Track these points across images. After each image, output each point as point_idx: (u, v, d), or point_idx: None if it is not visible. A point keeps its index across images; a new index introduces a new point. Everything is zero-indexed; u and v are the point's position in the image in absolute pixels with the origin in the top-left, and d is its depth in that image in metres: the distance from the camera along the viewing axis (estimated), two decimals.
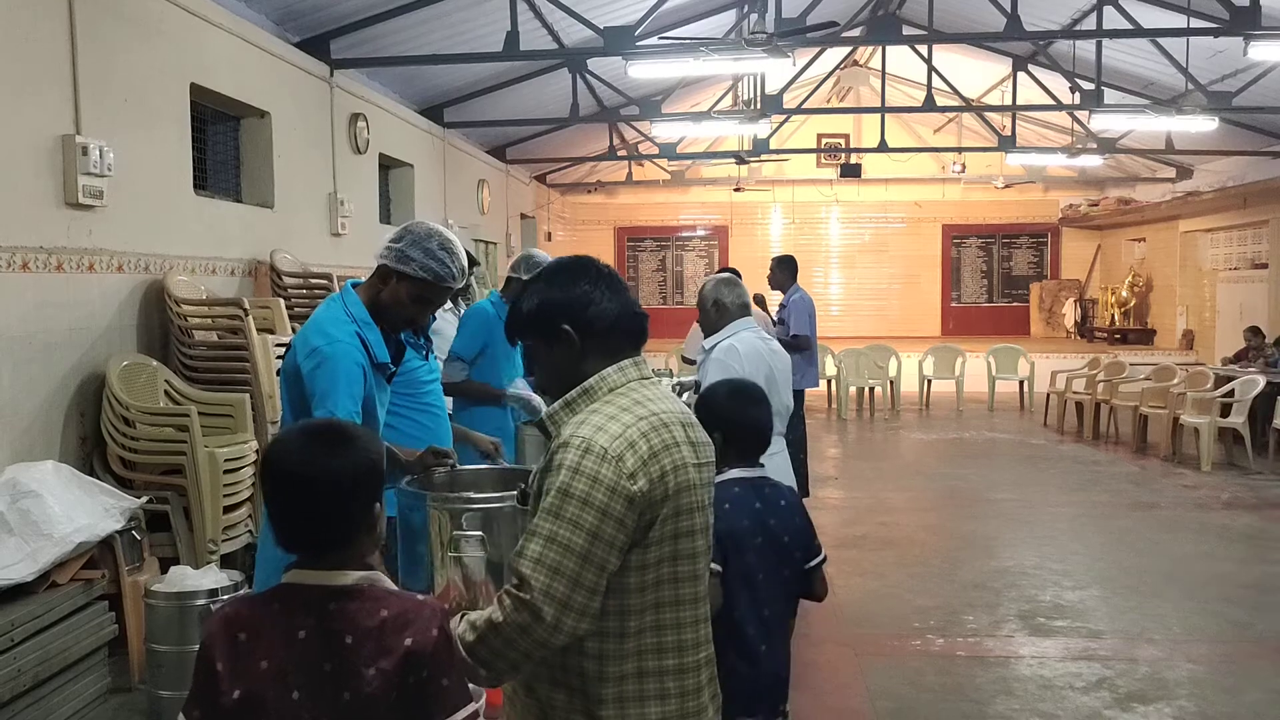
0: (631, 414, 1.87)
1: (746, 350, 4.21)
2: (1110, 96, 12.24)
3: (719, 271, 6.46)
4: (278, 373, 5.83)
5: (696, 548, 1.91)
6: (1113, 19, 9.53)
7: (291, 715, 1.65)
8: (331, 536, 1.71)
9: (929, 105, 12.59)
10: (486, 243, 13.91)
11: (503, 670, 1.83)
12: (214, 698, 1.66)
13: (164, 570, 4.52)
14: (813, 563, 2.84)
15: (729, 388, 2.98)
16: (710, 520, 2.00)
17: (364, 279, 3.01)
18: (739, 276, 6.38)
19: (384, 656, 1.64)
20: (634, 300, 2.05)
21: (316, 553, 1.72)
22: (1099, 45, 11.05)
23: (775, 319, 8.16)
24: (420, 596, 1.78)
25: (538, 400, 4.67)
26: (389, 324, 2.95)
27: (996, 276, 21.02)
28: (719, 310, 4.44)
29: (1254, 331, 11.88)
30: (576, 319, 1.95)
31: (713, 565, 2.13)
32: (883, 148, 14.60)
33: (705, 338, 4.47)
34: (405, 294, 2.87)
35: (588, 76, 11.64)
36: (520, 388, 4.69)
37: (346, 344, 2.80)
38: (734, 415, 2.84)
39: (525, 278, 5.04)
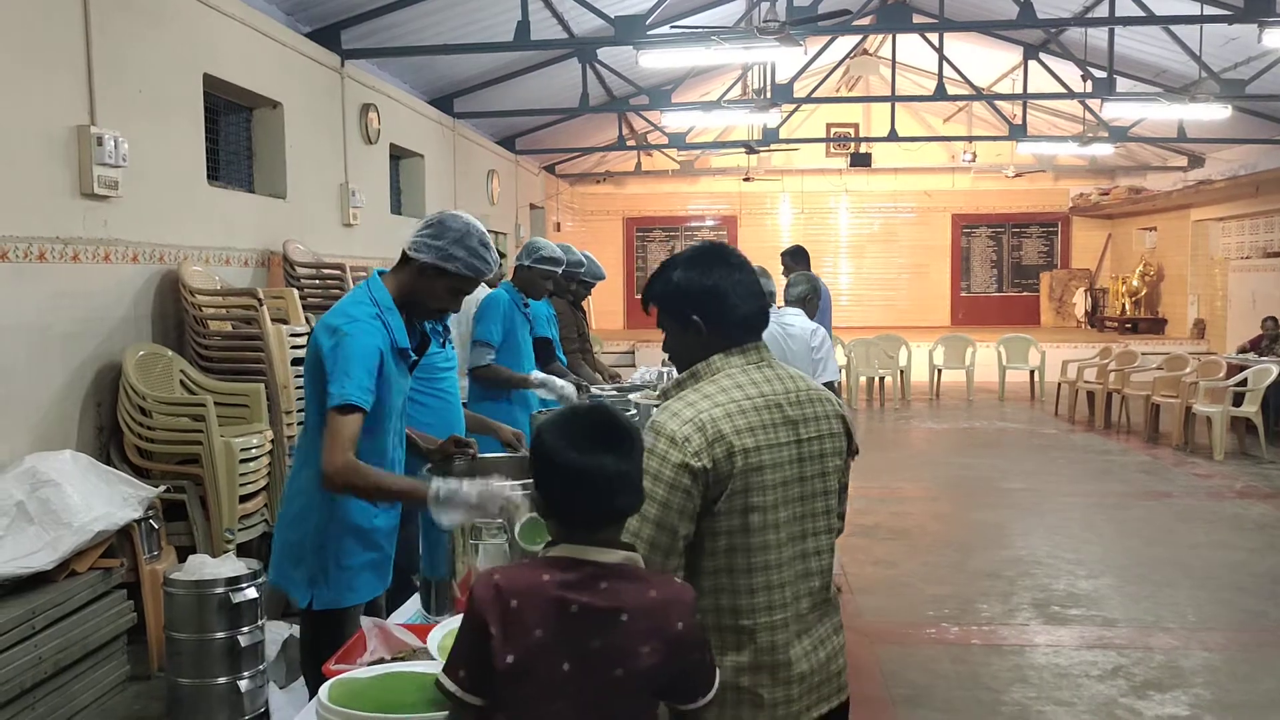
0: (712, 399, 2.08)
1: None
2: (1122, 85, 12.20)
3: None
4: (293, 363, 5.87)
5: (767, 521, 2.07)
6: (1125, 6, 9.47)
7: (560, 686, 1.67)
8: (612, 515, 1.77)
9: (939, 94, 12.54)
10: (496, 233, 13.92)
11: None
12: (485, 660, 1.67)
13: (181, 559, 4.54)
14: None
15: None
16: (804, 492, 2.12)
17: (388, 269, 3.02)
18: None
19: (656, 635, 1.69)
20: (760, 292, 2.22)
21: (590, 529, 1.74)
22: (1111, 33, 11.00)
23: None
24: (676, 580, 1.85)
25: (561, 383, 4.82)
26: (418, 313, 2.98)
27: (1006, 266, 20.94)
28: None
29: (1274, 321, 11.82)
30: (706, 311, 2.16)
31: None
32: (893, 137, 14.58)
33: None
34: (444, 289, 2.93)
35: (598, 66, 11.63)
36: (544, 379, 4.83)
37: (366, 324, 2.82)
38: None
39: (528, 263, 5.09)
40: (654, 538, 2.00)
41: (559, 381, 4.87)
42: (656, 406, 2.23)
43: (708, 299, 2.16)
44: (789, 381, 2.19)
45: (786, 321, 5.36)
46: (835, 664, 2.20)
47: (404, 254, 2.96)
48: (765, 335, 4.64)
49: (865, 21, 12.14)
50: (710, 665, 1.79)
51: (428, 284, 2.93)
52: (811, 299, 5.78)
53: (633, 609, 1.69)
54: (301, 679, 4.22)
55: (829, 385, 5.80)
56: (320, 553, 2.93)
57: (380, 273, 3.01)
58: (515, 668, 1.66)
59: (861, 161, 18.60)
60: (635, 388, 5.55)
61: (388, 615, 2.90)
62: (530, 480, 2.58)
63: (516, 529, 2.55)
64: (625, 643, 1.68)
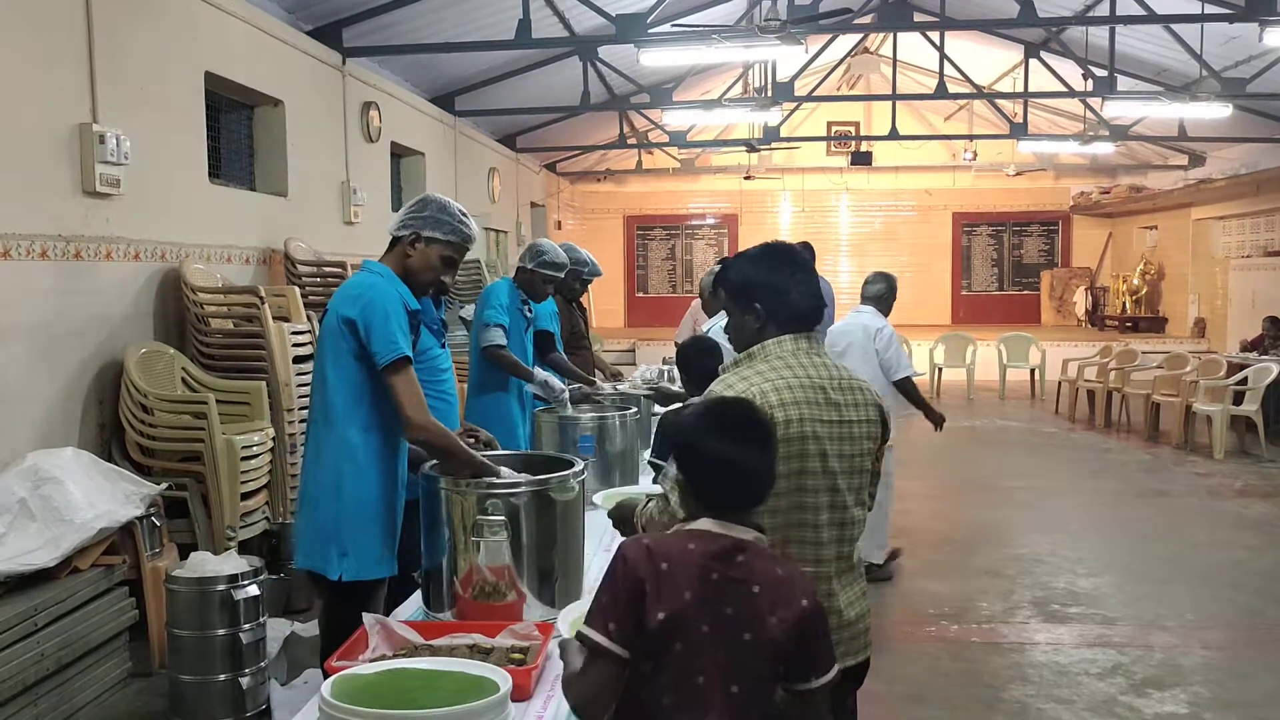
0: (764, 376, 2.35)
1: None
2: (1123, 83, 12.19)
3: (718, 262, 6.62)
4: (294, 360, 5.88)
5: (806, 485, 2.33)
6: (1126, 5, 9.46)
7: (698, 645, 1.82)
8: (756, 492, 1.95)
9: (940, 92, 12.54)
10: (497, 231, 13.92)
11: None
12: (638, 615, 1.80)
13: (182, 556, 4.55)
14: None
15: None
16: (842, 468, 2.36)
17: (374, 260, 3.22)
18: None
19: (784, 608, 1.85)
20: (818, 290, 2.49)
21: (729, 510, 1.92)
22: (1112, 31, 10.99)
23: None
24: (794, 564, 2.06)
25: (559, 386, 4.80)
26: (416, 288, 3.17)
27: (1007, 264, 20.93)
28: (715, 297, 5.14)
29: (1273, 322, 11.81)
30: (768, 301, 2.44)
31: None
32: (893, 135, 14.56)
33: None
34: (436, 256, 3.16)
35: (599, 64, 11.63)
36: (543, 374, 4.83)
37: (384, 285, 3.06)
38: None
39: (531, 266, 5.07)
40: None
41: (557, 385, 4.87)
42: (645, 396, 2.40)
43: (770, 291, 2.44)
44: (833, 369, 2.44)
45: (863, 321, 6.06)
46: (864, 622, 2.47)
47: (393, 238, 3.19)
48: (836, 328, 4.95)
49: (866, 20, 12.15)
50: (829, 651, 1.92)
51: (421, 254, 3.14)
52: (887, 297, 6.21)
53: (764, 582, 1.86)
54: (304, 674, 4.24)
55: (902, 382, 6.05)
56: (353, 524, 3.04)
57: (369, 262, 3.19)
58: (667, 624, 1.80)
59: (862, 160, 18.59)
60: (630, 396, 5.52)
61: (389, 612, 2.91)
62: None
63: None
64: (756, 611, 1.84)
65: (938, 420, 6.32)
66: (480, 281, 10.21)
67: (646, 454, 4.31)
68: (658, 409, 5.00)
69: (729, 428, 1.95)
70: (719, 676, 1.83)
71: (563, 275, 5.24)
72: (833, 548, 2.38)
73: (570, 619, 2.45)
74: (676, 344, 7.50)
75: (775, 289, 2.44)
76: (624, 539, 1.96)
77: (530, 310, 5.17)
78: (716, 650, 1.82)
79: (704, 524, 1.91)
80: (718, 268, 5.62)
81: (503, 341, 4.86)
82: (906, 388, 6.21)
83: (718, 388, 2.36)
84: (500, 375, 4.96)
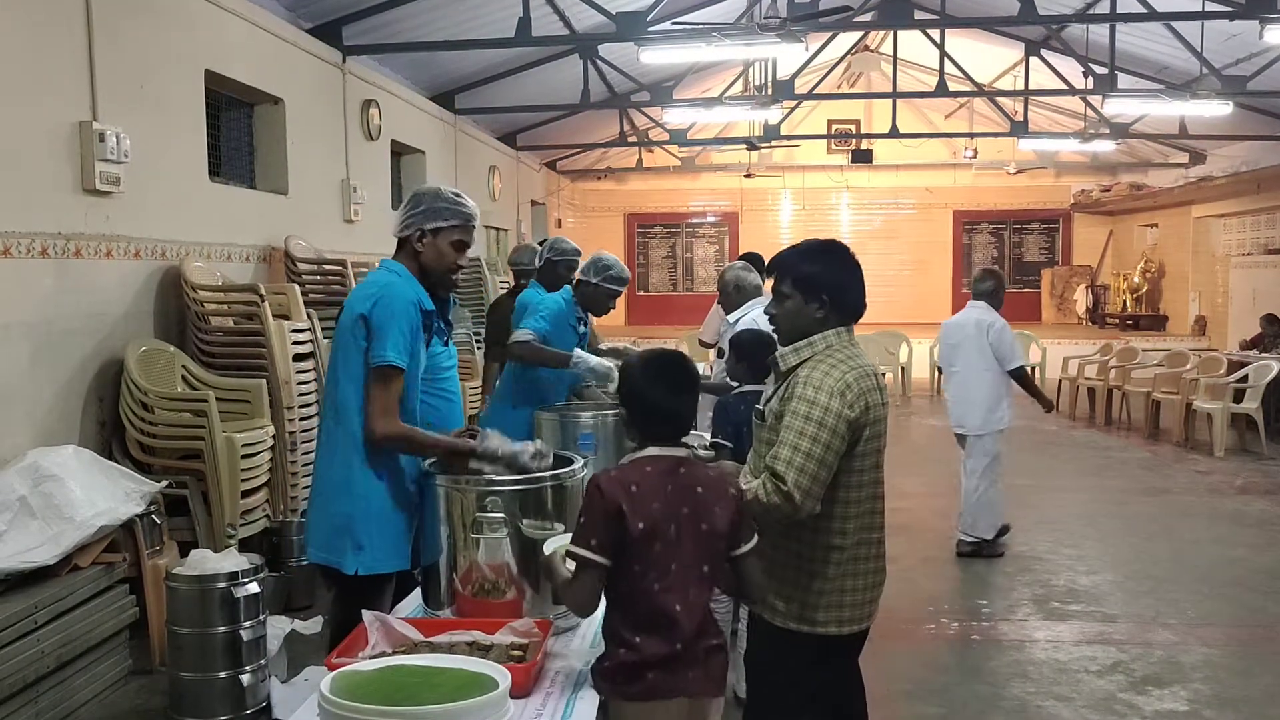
0: (845, 365, 2.70)
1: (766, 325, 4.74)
2: (1123, 81, 12.16)
3: (739, 258, 6.56)
4: (294, 359, 5.88)
5: (879, 461, 2.80)
6: (1127, 3, 9.45)
7: (671, 541, 2.36)
8: (683, 427, 2.51)
9: (941, 90, 12.53)
10: (498, 229, 13.92)
11: (761, 530, 2.61)
12: (618, 531, 2.32)
13: (183, 554, 4.55)
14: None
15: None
16: (885, 443, 2.81)
17: (390, 259, 3.23)
18: (762, 260, 6.68)
19: (721, 500, 2.43)
20: (864, 290, 2.84)
21: (669, 437, 2.47)
22: (1112, 29, 10.98)
23: None
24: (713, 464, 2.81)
25: (604, 365, 4.57)
26: (436, 282, 3.21)
27: (1008, 262, 20.89)
28: (739, 292, 5.53)
29: (1270, 320, 11.81)
30: (836, 295, 2.78)
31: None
32: (894, 133, 14.54)
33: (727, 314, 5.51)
34: (446, 244, 3.18)
35: (599, 62, 11.62)
36: (581, 357, 4.61)
37: (400, 285, 3.08)
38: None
39: (596, 280, 4.83)
40: (816, 472, 2.60)
41: (601, 365, 4.56)
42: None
43: (838, 287, 2.78)
44: (867, 357, 2.82)
45: (975, 316, 6.52)
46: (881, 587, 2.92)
47: (400, 241, 3.20)
48: (951, 322, 6.02)
49: (866, 18, 12.13)
50: (751, 525, 2.51)
51: (431, 247, 3.16)
52: (997, 292, 6.60)
53: (703, 484, 2.43)
54: (305, 671, 4.24)
55: (1016, 371, 6.50)
56: (365, 518, 3.04)
57: (386, 261, 3.21)
58: (645, 531, 2.33)
59: (863, 158, 18.59)
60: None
61: (390, 610, 2.92)
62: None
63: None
64: (704, 506, 2.40)
65: (1047, 404, 6.92)
66: (481, 280, 10.20)
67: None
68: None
69: (665, 379, 2.50)
70: (691, 560, 2.38)
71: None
72: (885, 512, 2.85)
73: (553, 546, 2.64)
74: (702, 341, 7.48)
75: (843, 285, 2.79)
76: (595, 472, 2.45)
77: (584, 325, 4.96)
78: (685, 542, 2.37)
79: (650, 451, 2.45)
80: (739, 264, 5.85)
81: (527, 337, 4.64)
82: (1019, 377, 6.55)
83: (816, 374, 2.67)
84: (528, 393, 4.76)
